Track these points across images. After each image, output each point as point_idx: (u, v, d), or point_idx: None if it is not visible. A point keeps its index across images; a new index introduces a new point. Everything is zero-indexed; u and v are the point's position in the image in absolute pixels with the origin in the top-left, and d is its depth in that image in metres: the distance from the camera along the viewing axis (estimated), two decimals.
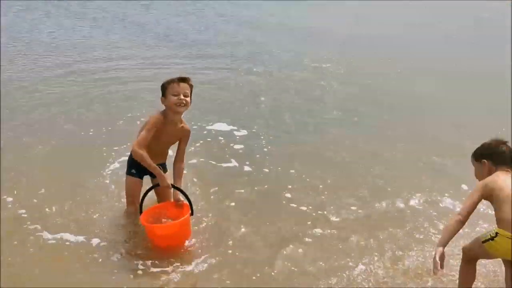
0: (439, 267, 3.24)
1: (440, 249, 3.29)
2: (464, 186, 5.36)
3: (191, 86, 4.21)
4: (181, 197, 4.23)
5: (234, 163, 5.86)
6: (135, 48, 11.39)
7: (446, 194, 5.28)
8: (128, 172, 4.37)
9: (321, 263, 4.06)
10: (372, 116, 7.69)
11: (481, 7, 20.23)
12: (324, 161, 6.02)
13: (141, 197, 4.22)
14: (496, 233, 3.25)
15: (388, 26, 15.59)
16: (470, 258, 3.53)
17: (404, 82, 9.78)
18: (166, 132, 4.20)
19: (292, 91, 8.87)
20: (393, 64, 11.09)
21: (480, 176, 3.61)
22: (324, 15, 17.24)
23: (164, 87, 4.17)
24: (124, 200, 4.53)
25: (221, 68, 10.14)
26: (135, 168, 4.30)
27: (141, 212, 4.15)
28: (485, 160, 3.55)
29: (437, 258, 3.25)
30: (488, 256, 3.50)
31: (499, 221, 3.30)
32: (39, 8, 15.31)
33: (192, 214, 4.15)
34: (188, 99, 4.15)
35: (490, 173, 3.51)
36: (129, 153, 4.33)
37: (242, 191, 5.21)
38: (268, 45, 12.59)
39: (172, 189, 4.24)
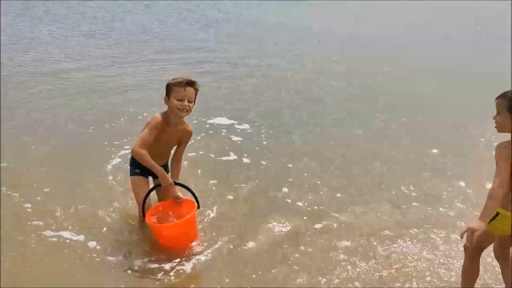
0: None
1: (483, 225, 3.00)
2: (463, 186, 5.37)
3: (196, 91, 4.08)
4: (180, 194, 4.21)
5: (233, 156, 5.91)
6: (135, 47, 11.41)
7: (445, 194, 5.29)
8: (132, 172, 4.30)
9: (321, 262, 4.06)
10: (372, 116, 7.69)
11: (481, 7, 20.26)
12: (324, 160, 6.02)
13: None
14: (497, 213, 3.17)
15: (388, 26, 15.61)
16: (474, 249, 3.39)
17: (404, 82, 9.78)
18: (166, 133, 4.13)
19: (292, 91, 8.87)
20: (393, 64, 11.09)
21: (503, 128, 3.28)
22: (324, 15, 17.26)
23: (169, 88, 4.03)
24: (124, 201, 4.54)
25: (221, 66, 10.15)
26: (138, 167, 4.25)
27: (144, 214, 4.11)
28: None
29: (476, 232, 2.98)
30: (491, 238, 3.38)
31: (506, 200, 3.15)
32: (39, 7, 15.32)
33: (198, 207, 4.14)
34: (191, 105, 4.05)
35: None
36: (129, 151, 4.31)
37: (243, 185, 5.25)
38: (268, 45, 12.61)
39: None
